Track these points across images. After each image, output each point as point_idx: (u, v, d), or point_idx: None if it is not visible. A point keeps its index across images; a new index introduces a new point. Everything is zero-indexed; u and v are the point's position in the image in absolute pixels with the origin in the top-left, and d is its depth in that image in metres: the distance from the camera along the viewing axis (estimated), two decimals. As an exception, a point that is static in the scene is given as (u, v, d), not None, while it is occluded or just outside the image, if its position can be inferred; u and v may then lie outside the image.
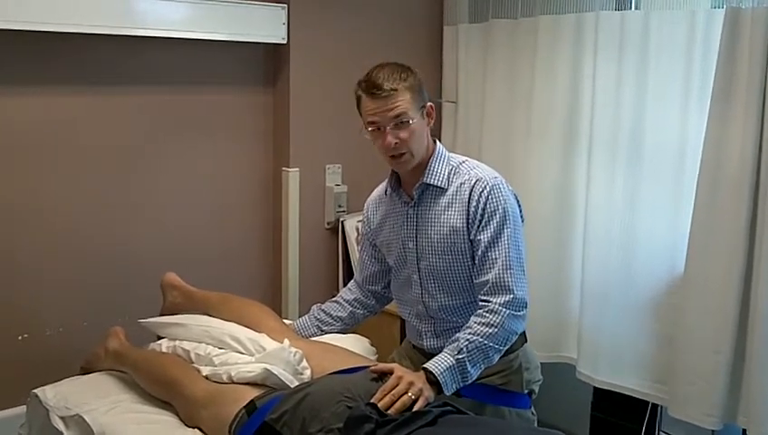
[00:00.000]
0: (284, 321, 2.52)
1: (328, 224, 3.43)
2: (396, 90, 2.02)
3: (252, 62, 3.26)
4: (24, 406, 2.43)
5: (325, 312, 2.45)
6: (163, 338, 2.45)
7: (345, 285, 2.56)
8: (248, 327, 2.32)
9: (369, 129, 2.08)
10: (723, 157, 2.54)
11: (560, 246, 3.12)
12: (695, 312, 2.64)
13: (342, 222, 3.40)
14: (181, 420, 2.15)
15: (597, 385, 2.99)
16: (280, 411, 1.88)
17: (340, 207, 3.42)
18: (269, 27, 3.14)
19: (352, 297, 2.45)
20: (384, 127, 2.05)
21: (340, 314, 2.44)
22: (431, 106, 2.13)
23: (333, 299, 2.49)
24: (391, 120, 2.04)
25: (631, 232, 2.87)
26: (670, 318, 2.76)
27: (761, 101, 2.45)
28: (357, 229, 3.29)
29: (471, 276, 2.11)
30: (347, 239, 3.39)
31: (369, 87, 2.04)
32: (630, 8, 2.97)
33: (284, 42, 3.19)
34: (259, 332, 2.28)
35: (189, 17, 2.94)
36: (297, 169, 3.29)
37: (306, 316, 2.48)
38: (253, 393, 2.01)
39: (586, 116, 3.01)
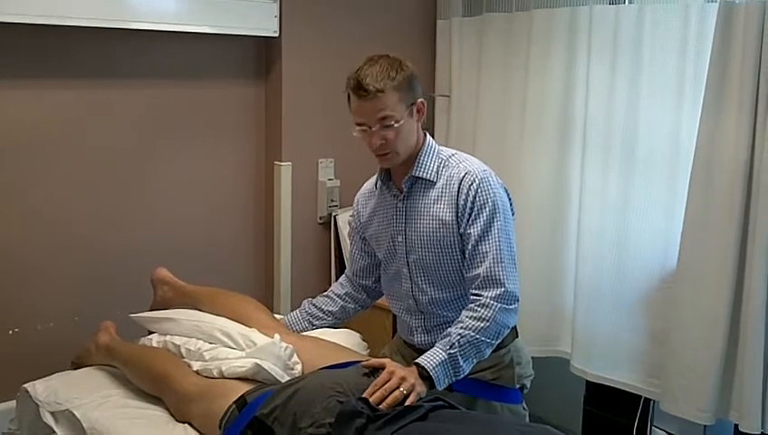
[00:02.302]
0: (275, 316, 2.52)
1: (320, 218, 3.42)
2: (382, 91, 2.00)
3: (244, 56, 3.25)
4: (14, 401, 2.42)
5: (316, 306, 2.44)
6: (154, 333, 2.44)
7: (337, 279, 2.56)
8: (239, 322, 2.31)
9: (357, 127, 2.07)
10: (716, 152, 2.54)
11: (554, 240, 3.12)
12: (687, 307, 2.64)
13: (335, 216, 3.39)
14: (172, 415, 2.14)
15: (591, 379, 2.99)
16: (270, 407, 1.87)
17: (332, 201, 3.41)
18: (261, 20, 3.12)
19: (343, 292, 2.44)
20: (370, 127, 2.04)
21: (331, 308, 2.43)
22: (422, 103, 2.11)
23: (324, 294, 2.48)
24: (377, 121, 2.03)
25: (625, 227, 2.87)
26: (663, 313, 2.76)
27: (754, 96, 2.44)
28: (349, 224, 3.28)
29: (460, 270, 2.10)
30: (339, 234, 3.38)
31: (356, 87, 2.02)
32: (624, 2, 2.96)
33: (276, 35, 3.17)
34: (250, 327, 2.28)
35: (181, 10, 2.92)
36: (289, 163, 3.28)
37: (297, 311, 2.47)
38: (243, 388, 2.00)
39: (580, 111, 3.01)
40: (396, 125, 2.03)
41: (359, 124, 2.06)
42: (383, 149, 2.06)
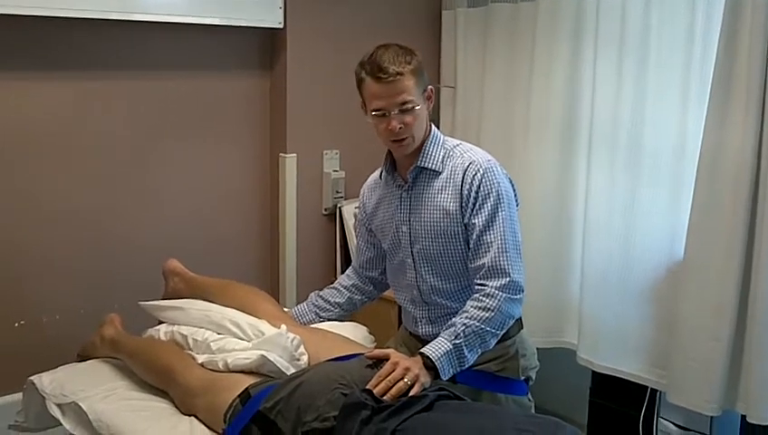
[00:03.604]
0: (283, 309, 2.52)
1: (325, 210, 3.42)
2: (402, 74, 1.99)
3: (248, 47, 3.24)
4: (21, 393, 2.42)
5: (323, 298, 2.45)
6: (162, 323, 2.44)
7: (343, 271, 2.55)
8: (247, 313, 2.31)
9: (374, 113, 2.05)
10: (722, 143, 2.52)
11: (560, 231, 3.10)
12: (694, 298, 2.63)
13: (340, 208, 3.39)
14: (177, 408, 2.15)
15: (597, 370, 2.99)
16: (274, 400, 1.86)
17: (337, 193, 3.41)
18: (265, 12, 3.12)
19: (350, 283, 2.44)
20: (389, 112, 2.03)
21: (338, 300, 2.43)
22: (431, 89, 2.11)
23: (332, 285, 2.49)
24: (397, 105, 2.02)
25: (631, 217, 2.86)
26: (670, 304, 2.75)
27: (761, 87, 2.41)
28: (354, 215, 3.27)
29: (464, 260, 2.10)
30: (345, 225, 3.38)
31: (375, 70, 2.00)
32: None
33: (281, 26, 3.17)
34: (259, 318, 2.28)
35: (185, 2, 2.92)
36: (294, 154, 3.28)
37: (304, 303, 2.47)
38: (247, 382, 2.00)
39: (586, 102, 2.99)
40: (416, 108, 2.03)
41: (376, 110, 2.04)
42: (401, 134, 2.04)
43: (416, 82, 2.03)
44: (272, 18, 3.14)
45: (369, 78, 2.02)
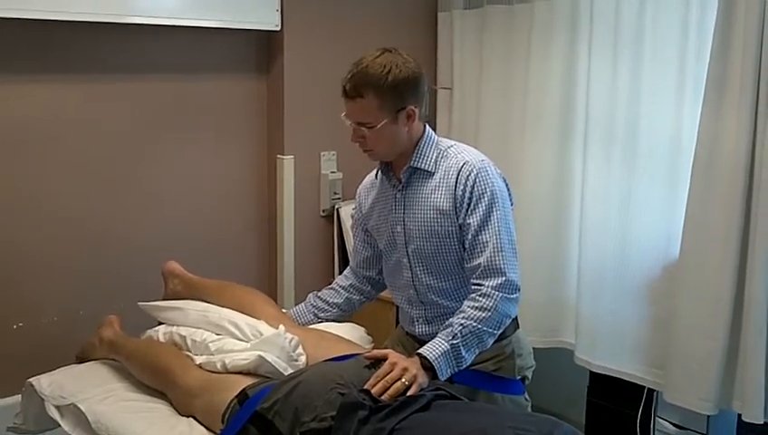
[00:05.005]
0: (281, 310, 2.52)
1: (323, 211, 3.43)
2: (361, 97, 2.02)
3: (245, 50, 3.25)
4: (19, 395, 2.42)
5: (321, 298, 2.45)
6: (161, 324, 2.45)
7: (341, 272, 2.56)
8: (246, 314, 2.31)
9: (343, 117, 2.11)
10: (717, 142, 2.53)
11: (556, 232, 3.11)
12: (689, 297, 2.64)
13: (338, 209, 3.40)
14: (175, 409, 2.15)
15: (594, 370, 2.99)
16: (271, 401, 1.87)
17: (335, 194, 3.42)
18: (263, 14, 3.13)
19: (348, 283, 2.45)
20: (351, 124, 2.08)
21: (336, 300, 2.44)
22: (412, 110, 2.08)
23: (329, 286, 2.49)
24: (355, 121, 2.07)
25: (627, 216, 2.87)
26: (666, 303, 2.76)
27: (755, 82, 2.43)
28: (352, 216, 3.28)
29: (459, 259, 2.11)
30: (342, 227, 3.38)
31: (343, 84, 2.06)
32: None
33: (278, 29, 3.18)
34: (257, 319, 2.28)
35: (182, 4, 2.93)
36: (292, 156, 3.29)
37: (303, 304, 2.48)
38: (245, 382, 2.00)
39: (582, 102, 3.00)
40: (376, 127, 2.05)
41: (345, 116, 2.10)
42: (362, 146, 2.11)
43: (379, 104, 2.03)
44: (269, 20, 3.15)
45: (342, 88, 2.07)
